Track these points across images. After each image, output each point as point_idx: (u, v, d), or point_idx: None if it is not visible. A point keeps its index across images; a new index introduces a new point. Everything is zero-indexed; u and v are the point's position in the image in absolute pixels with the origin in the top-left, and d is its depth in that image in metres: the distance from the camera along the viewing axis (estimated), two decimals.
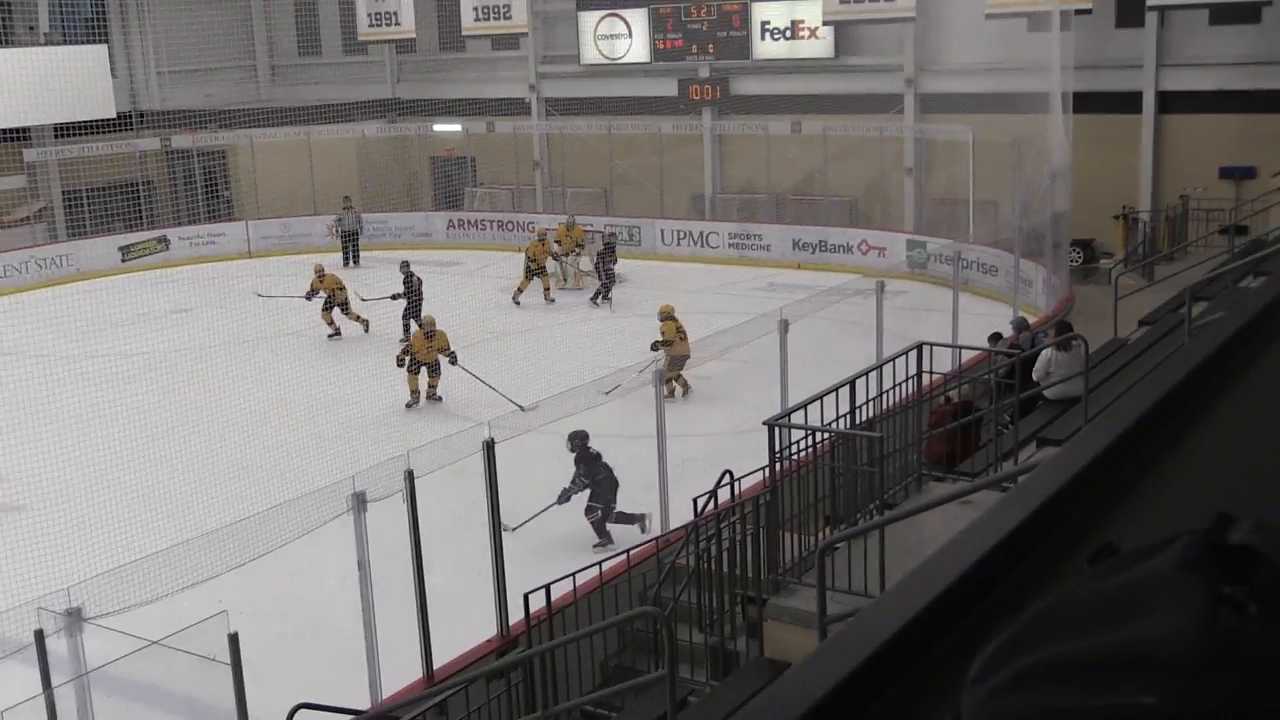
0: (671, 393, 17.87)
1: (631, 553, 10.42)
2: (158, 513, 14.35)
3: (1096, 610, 0.92)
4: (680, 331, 18.41)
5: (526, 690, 9.00)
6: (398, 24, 33.41)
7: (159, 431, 17.65)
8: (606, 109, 31.42)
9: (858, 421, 9.25)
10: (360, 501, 9.46)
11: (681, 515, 11.42)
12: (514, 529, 12.21)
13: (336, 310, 23.27)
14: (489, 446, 10.06)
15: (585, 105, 31.91)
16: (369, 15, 33.81)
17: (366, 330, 23.32)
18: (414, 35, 33.65)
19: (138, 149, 33.23)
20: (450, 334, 19.54)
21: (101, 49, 31.35)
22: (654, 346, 18.30)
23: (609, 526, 13.05)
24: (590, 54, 31.43)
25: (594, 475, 13.05)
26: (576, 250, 26.56)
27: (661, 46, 30.54)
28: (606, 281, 24.91)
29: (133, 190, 32.64)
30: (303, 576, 12.59)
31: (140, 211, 32.73)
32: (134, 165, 33.20)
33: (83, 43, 31.92)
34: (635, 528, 12.98)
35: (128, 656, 7.49)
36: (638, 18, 30.61)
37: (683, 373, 18.43)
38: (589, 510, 13.13)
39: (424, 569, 9.85)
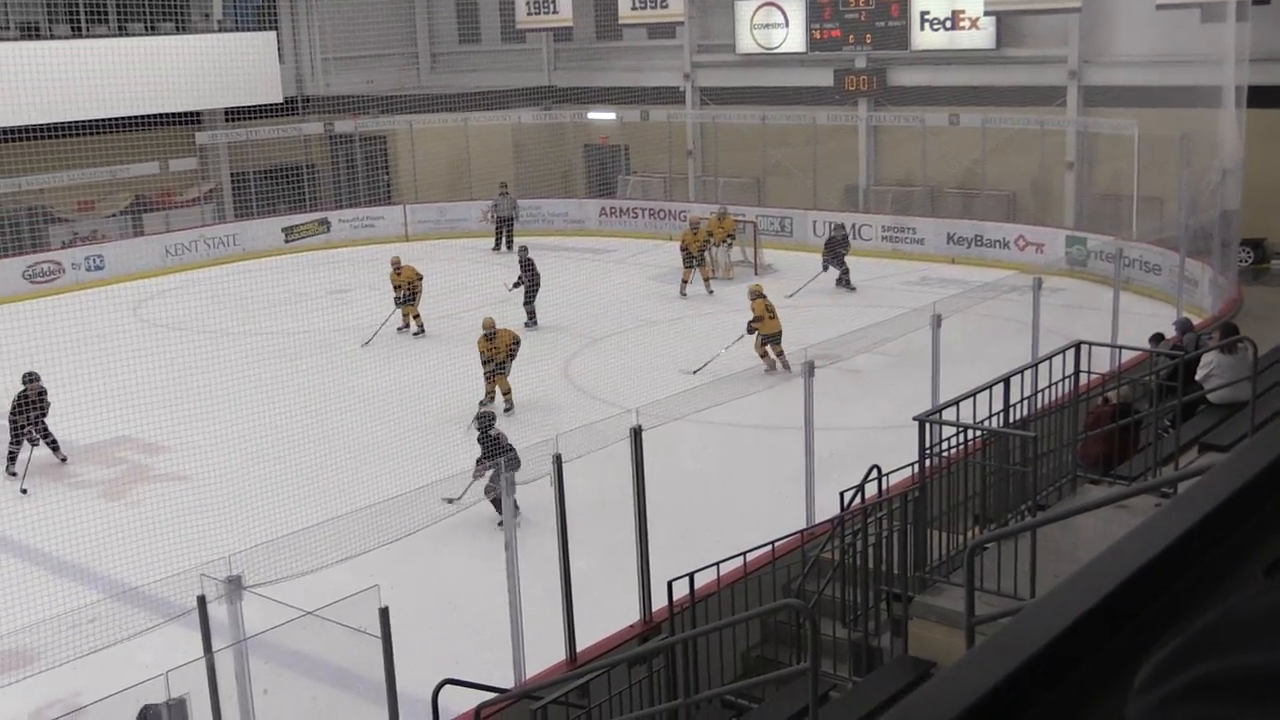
0: (772, 366, 19.22)
1: (776, 545, 10.39)
2: (313, 487, 14.76)
3: (1276, 623, 0.89)
4: (769, 309, 19.39)
5: (668, 677, 9.04)
6: (555, 12, 33.72)
7: (317, 408, 18.14)
8: (761, 99, 31.29)
9: (1011, 420, 9.07)
10: (509, 483, 9.59)
11: (827, 509, 11.34)
12: (455, 499, 12.40)
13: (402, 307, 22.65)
14: (636, 433, 10.11)
15: (739, 95, 31.83)
16: (528, 3, 34.19)
17: (420, 332, 22.56)
18: (571, 23, 33.93)
19: (302, 133, 34.18)
20: (598, 320, 19.66)
21: (270, 36, 32.32)
22: (750, 327, 19.39)
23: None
24: (746, 43, 31.32)
25: (493, 456, 13.11)
26: (728, 241, 26.52)
27: (818, 36, 30.28)
28: (843, 272, 24.80)
29: (296, 173, 33.59)
30: (451, 555, 12.85)
31: (303, 194, 33.68)
32: (298, 149, 34.16)
33: (253, 30, 32.94)
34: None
35: (284, 625, 7.73)
36: (795, 7, 30.40)
37: (783, 348, 19.25)
38: (488, 490, 13.17)
39: (569, 552, 9.96)
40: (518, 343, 18.72)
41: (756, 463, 15.59)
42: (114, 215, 31.02)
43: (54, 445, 16.55)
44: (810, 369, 12.32)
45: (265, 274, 27.47)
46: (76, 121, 28.12)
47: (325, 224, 32.46)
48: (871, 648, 9.25)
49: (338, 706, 9.71)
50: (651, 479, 10.67)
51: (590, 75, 34.44)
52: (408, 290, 22.67)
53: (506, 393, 18.31)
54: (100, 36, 29.49)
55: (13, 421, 16.20)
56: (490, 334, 18.40)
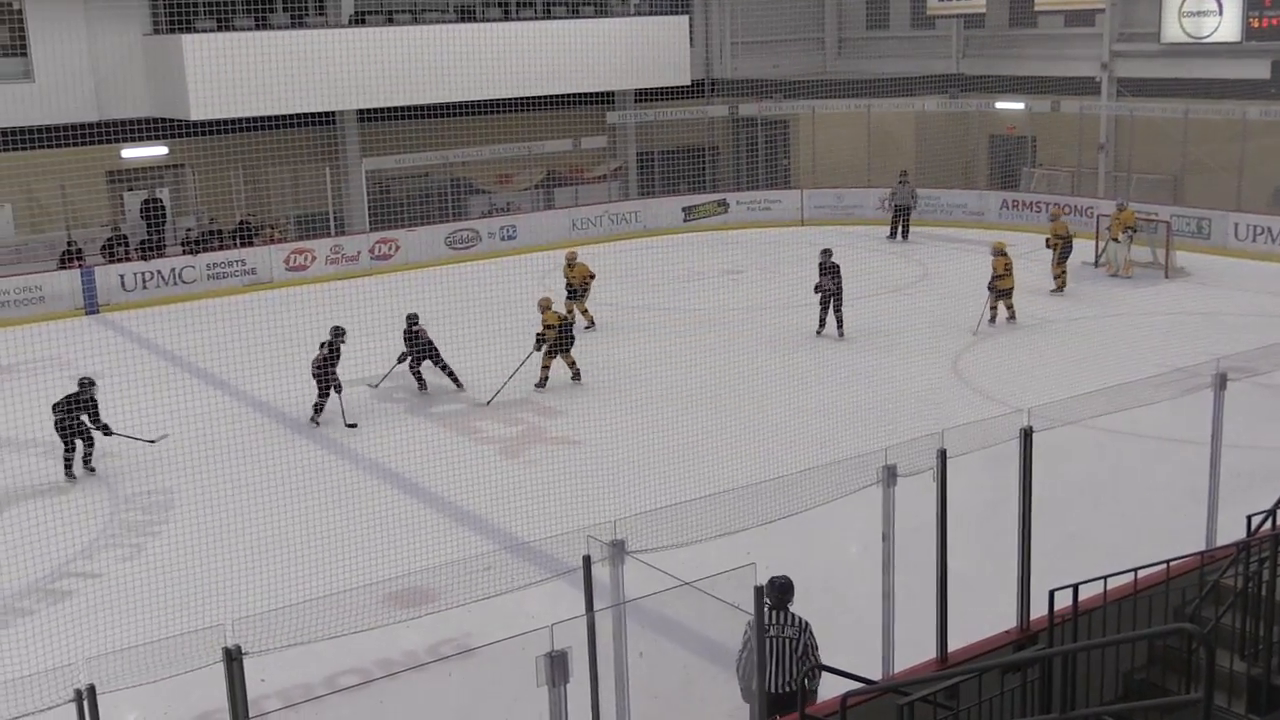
0: (994, 318, 21.51)
1: (1171, 564, 9.78)
2: (697, 460, 15.12)
3: None
4: (1008, 267, 21.29)
5: (1042, 689, 8.69)
6: None
7: (706, 385, 18.55)
8: (1184, 90, 29.41)
9: None
10: (891, 475, 9.46)
11: (1231, 532, 10.57)
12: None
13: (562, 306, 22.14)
14: (1026, 435, 9.74)
15: (1160, 86, 30.02)
16: None
17: (590, 325, 22.30)
18: (984, 10, 33.02)
19: (707, 115, 34.94)
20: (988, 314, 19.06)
21: (683, 20, 33.17)
22: (990, 286, 21.27)
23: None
24: (1172, 32, 29.49)
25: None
26: (1128, 235, 25.11)
27: (1256, 25, 28.10)
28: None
29: (699, 155, 34.39)
30: (825, 541, 12.84)
31: (704, 175, 34.46)
32: (702, 131, 34.95)
33: (667, 14, 33.91)
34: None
35: (662, 593, 7.93)
36: None
37: (1013, 303, 21.52)
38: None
39: (947, 550, 9.73)
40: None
41: (1153, 476, 14.74)
42: (527, 189, 32.78)
43: (452, 375, 18.95)
44: (1222, 381, 11.50)
45: (664, 251, 28.32)
46: (500, 99, 29.87)
47: (724, 205, 33.07)
48: (1272, 686, 8.56)
49: (705, 677, 9.91)
50: (1038, 483, 10.26)
51: (1000, 64, 33.41)
52: (580, 286, 22.45)
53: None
54: (527, 19, 31.20)
55: (410, 357, 19.01)
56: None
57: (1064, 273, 24.13)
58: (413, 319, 19.12)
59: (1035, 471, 9.99)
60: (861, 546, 12.09)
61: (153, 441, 16.35)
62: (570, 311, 21.84)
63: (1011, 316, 21.70)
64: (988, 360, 19.59)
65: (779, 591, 8.82)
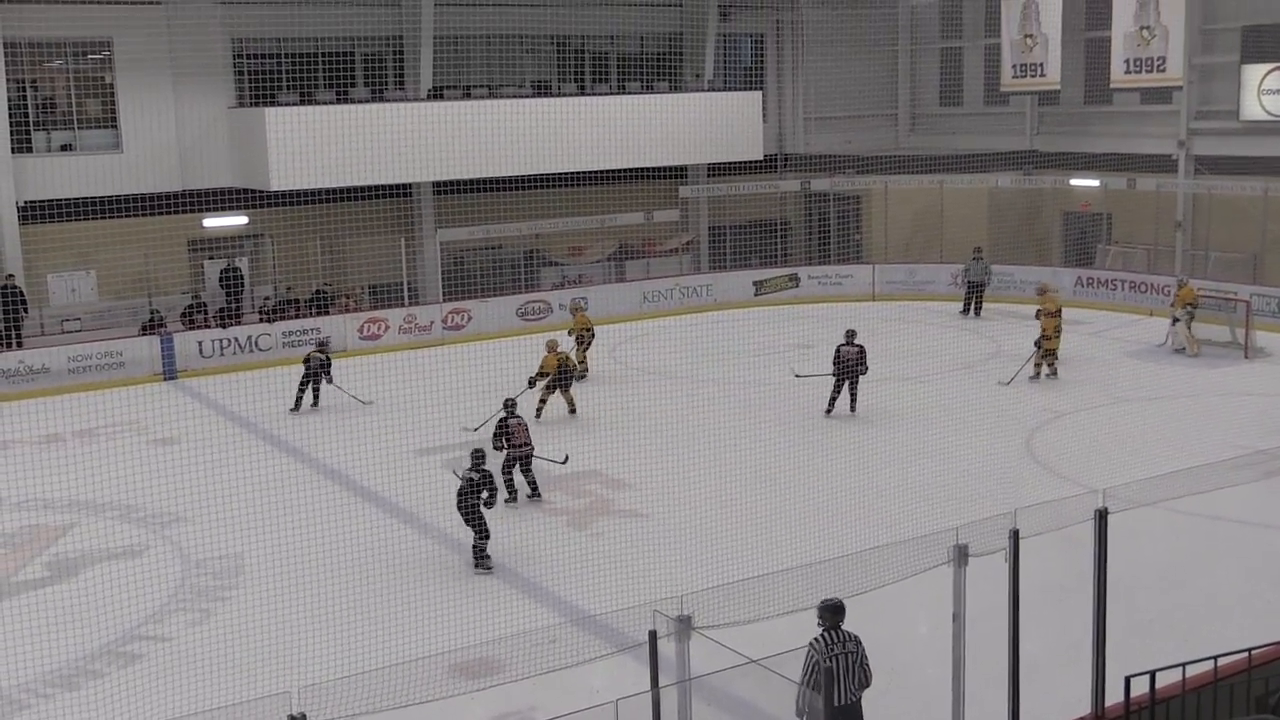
0: (1037, 374, 22.67)
1: (1254, 652, 9.53)
2: (765, 536, 15.03)
3: None
4: (1058, 329, 22.81)
5: None
6: (1043, 75, 32.88)
7: (774, 459, 18.45)
8: (1263, 169, 29.07)
9: None
10: (962, 554, 9.34)
11: None
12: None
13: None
14: (1101, 516, 9.59)
15: (1239, 164, 29.70)
16: (1014, 66, 33.54)
17: (583, 375, 23.74)
18: (1058, 86, 32.94)
19: (779, 190, 35.08)
20: (1065, 393, 18.85)
21: (756, 95, 33.45)
22: (1037, 343, 22.64)
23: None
24: (1252, 109, 29.22)
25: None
26: (1187, 312, 24.75)
27: None
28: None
29: (770, 228, 34.50)
30: (894, 621, 12.66)
31: (775, 249, 34.53)
32: (774, 205, 35.09)
33: (740, 90, 34.20)
34: None
35: (728, 670, 7.86)
36: None
37: (1056, 364, 22.74)
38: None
39: (1019, 632, 9.56)
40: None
41: (1233, 560, 14.40)
42: (599, 261, 33.02)
43: (533, 486, 17.20)
44: None
45: (734, 324, 28.34)
46: (574, 172, 30.22)
47: (795, 279, 33.09)
48: None
49: None
50: (1113, 566, 10.07)
51: (1075, 140, 33.27)
52: (581, 333, 24.23)
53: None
54: (601, 94, 31.63)
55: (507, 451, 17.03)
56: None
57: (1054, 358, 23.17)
58: (510, 406, 17.12)
59: (1110, 554, 9.82)
60: (931, 627, 11.90)
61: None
62: (575, 358, 23.30)
63: (1053, 373, 22.86)
64: (1062, 439, 19.34)
65: (834, 613, 9.23)
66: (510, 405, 17.06)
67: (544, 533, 15.80)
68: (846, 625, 9.44)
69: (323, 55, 29.25)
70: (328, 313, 27.91)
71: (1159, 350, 25.12)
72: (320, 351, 22.78)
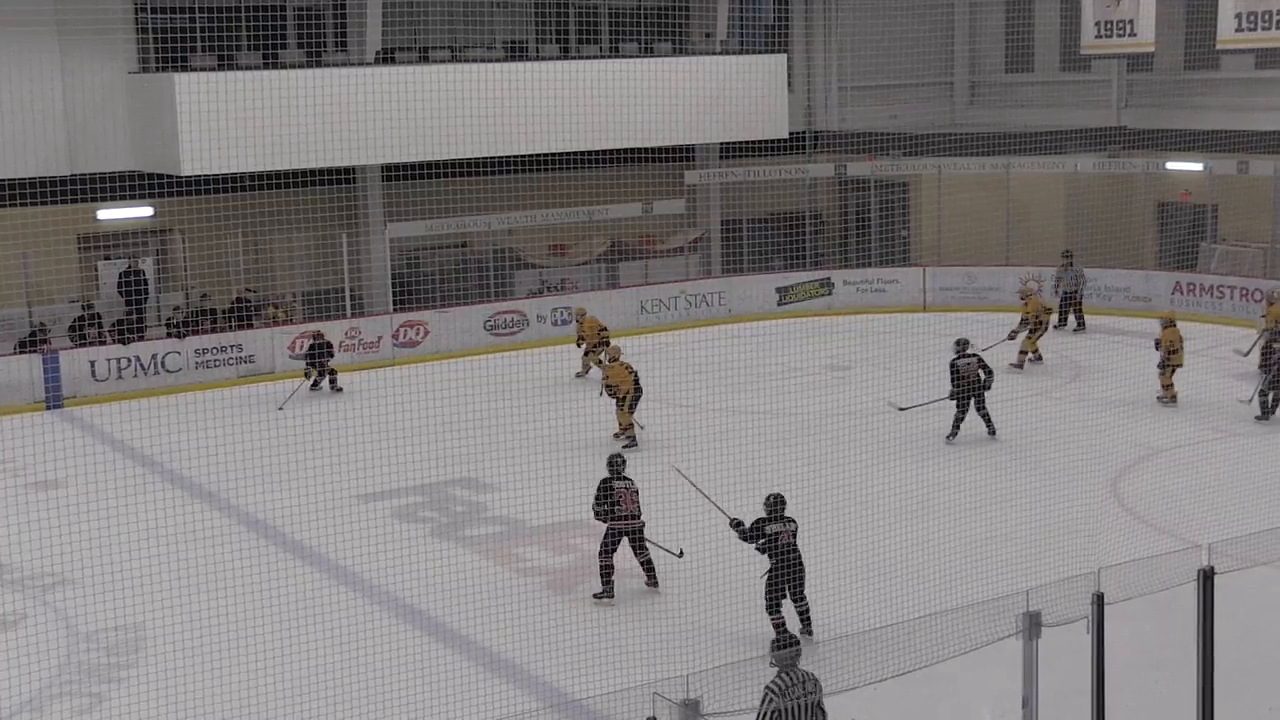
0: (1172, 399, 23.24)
1: None
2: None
3: None
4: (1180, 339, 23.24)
5: None
6: (1133, 34, 32.93)
7: (803, 507, 18.38)
8: None
9: None
10: (1034, 623, 9.33)
11: None
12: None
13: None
14: (1206, 576, 9.59)
15: None
16: (1097, 24, 33.61)
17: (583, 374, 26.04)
18: (1152, 48, 32.98)
19: (808, 175, 35.13)
20: (1159, 426, 18.80)
21: (780, 60, 33.42)
22: (1164, 363, 23.24)
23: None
24: None
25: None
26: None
27: None
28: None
29: (798, 223, 34.53)
30: (949, 707, 12.63)
31: (803, 248, 34.53)
32: (802, 195, 35.13)
33: (761, 52, 34.25)
34: None
35: None
36: None
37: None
38: None
39: (1105, 716, 9.55)
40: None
41: None
42: (587, 263, 33.03)
43: None
44: None
45: (753, 340, 28.34)
46: (555, 154, 30.20)
47: (828, 285, 33.12)
48: None
49: None
50: (1223, 638, 10.06)
51: (1173, 114, 33.34)
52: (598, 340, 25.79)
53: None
54: (590, 58, 31.60)
55: None
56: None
57: (1038, 353, 26.53)
58: (619, 466, 16.13)
59: (1218, 622, 9.80)
60: (997, 715, 11.88)
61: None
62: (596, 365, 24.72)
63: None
64: (1157, 482, 19.31)
65: (796, 656, 9.77)
66: (618, 464, 16.04)
67: (519, 597, 15.75)
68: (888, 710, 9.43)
69: (246, 9, 29.25)
70: (251, 326, 27.90)
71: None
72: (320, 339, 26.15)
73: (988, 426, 21.55)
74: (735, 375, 25.23)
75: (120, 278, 28.27)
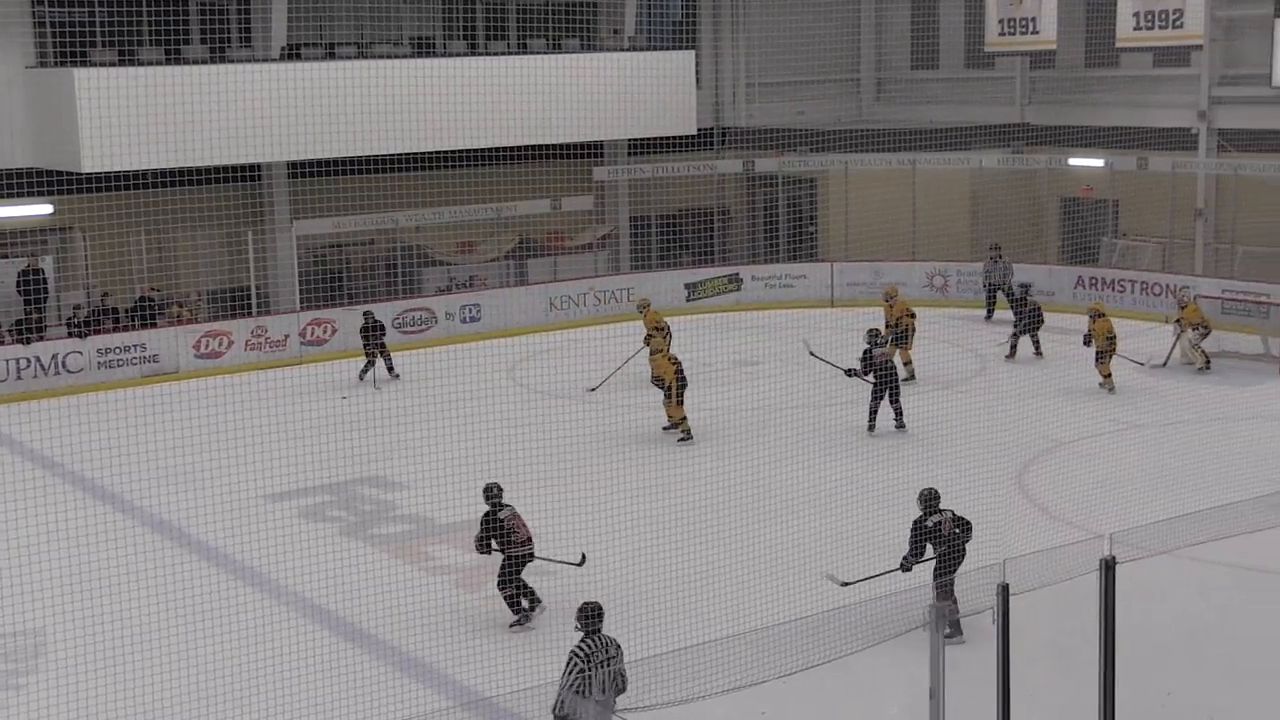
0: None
1: None
2: (702, 598, 15.02)
3: None
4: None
5: None
6: (1035, 32, 33.33)
7: (711, 504, 18.46)
8: None
9: None
10: (941, 616, 9.42)
11: None
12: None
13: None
14: (1108, 566, 9.72)
15: (1272, 139, 30.35)
16: (1000, 21, 33.97)
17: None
18: (1054, 46, 33.39)
19: (717, 172, 35.22)
20: (1061, 418, 19.01)
21: (688, 56, 33.53)
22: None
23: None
24: None
25: None
26: (1200, 328, 25.14)
27: None
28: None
29: (706, 219, 34.61)
30: (857, 699, 12.71)
31: (712, 245, 34.66)
32: (710, 191, 35.23)
33: (669, 49, 34.30)
34: None
35: None
36: None
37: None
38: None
39: (1010, 710, 9.65)
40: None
41: (1268, 618, 14.63)
42: (495, 260, 32.94)
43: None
44: None
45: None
46: (463, 151, 30.08)
47: (736, 281, 33.24)
48: None
49: None
50: (1124, 627, 10.20)
51: (1074, 111, 33.77)
52: (655, 330, 24.74)
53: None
54: (497, 54, 31.52)
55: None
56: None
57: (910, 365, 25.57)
58: (496, 494, 15.33)
59: (1120, 612, 9.94)
60: (903, 706, 11.97)
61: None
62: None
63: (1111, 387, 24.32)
64: (1060, 474, 19.55)
65: (594, 618, 10.61)
66: (494, 493, 15.25)
67: (426, 596, 15.67)
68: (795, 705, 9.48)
69: (148, 3, 28.86)
70: (154, 325, 27.56)
71: (1173, 368, 25.49)
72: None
73: (897, 420, 21.72)
74: (644, 371, 25.23)
75: (19, 276, 27.82)
